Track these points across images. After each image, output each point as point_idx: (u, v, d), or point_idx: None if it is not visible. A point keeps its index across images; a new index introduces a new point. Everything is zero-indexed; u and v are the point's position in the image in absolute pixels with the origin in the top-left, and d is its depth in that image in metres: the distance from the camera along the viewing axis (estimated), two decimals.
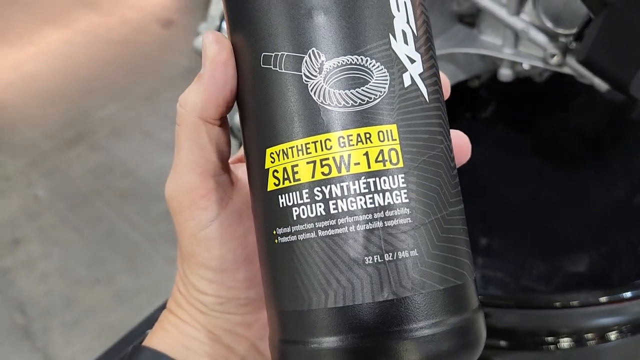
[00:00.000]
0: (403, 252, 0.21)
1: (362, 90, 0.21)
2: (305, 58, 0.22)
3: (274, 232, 0.22)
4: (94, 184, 1.78)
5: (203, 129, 0.26)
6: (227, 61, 0.25)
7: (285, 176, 0.22)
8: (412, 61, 0.23)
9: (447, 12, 0.61)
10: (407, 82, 0.22)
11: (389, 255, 0.21)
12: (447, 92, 0.28)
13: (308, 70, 0.21)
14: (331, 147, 0.21)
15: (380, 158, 0.21)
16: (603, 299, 0.57)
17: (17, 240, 1.63)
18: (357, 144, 0.21)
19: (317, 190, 0.21)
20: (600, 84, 0.54)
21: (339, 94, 0.21)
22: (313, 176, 0.21)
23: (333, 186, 0.21)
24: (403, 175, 0.21)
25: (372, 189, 0.21)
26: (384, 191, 0.21)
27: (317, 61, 0.21)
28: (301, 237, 0.21)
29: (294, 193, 0.22)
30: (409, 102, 0.22)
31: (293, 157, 0.21)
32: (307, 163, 0.21)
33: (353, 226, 0.21)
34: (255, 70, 0.23)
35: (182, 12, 2.42)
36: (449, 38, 0.61)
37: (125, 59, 2.20)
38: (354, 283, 0.21)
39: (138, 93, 2.03)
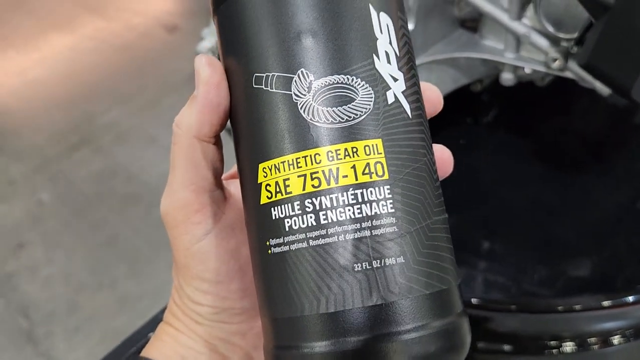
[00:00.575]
0: (390, 259, 0.22)
1: (348, 107, 0.23)
2: (294, 78, 0.23)
3: (267, 243, 0.23)
4: (98, 189, 1.79)
5: (198, 147, 0.27)
6: (219, 83, 0.26)
7: (277, 189, 0.23)
8: (395, 79, 0.24)
9: (449, 17, 0.61)
10: (390, 99, 0.24)
11: (377, 262, 0.22)
12: (439, 105, 0.29)
13: (297, 90, 0.23)
14: (320, 161, 0.22)
15: (366, 171, 0.22)
16: (606, 303, 0.57)
17: (21, 244, 1.64)
18: (344, 158, 0.22)
19: (308, 202, 0.23)
20: (602, 88, 0.54)
21: (327, 111, 0.23)
22: (304, 189, 0.23)
23: (323, 198, 0.22)
24: (389, 187, 0.23)
25: (360, 200, 0.22)
26: (370, 202, 0.22)
27: (306, 81, 0.23)
28: (293, 247, 0.23)
29: (285, 205, 0.23)
30: (392, 118, 0.24)
31: (284, 171, 0.23)
32: (298, 176, 0.23)
33: (342, 235, 0.22)
34: (248, 90, 0.24)
35: (187, 18, 2.43)
36: (451, 43, 0.62)
37: (129, 65, 2.21)
38: (344, 289, 0.22)
39: (142, 98, 2.04)
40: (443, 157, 0.29)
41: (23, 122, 2.02)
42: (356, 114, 0.23)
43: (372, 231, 0.22)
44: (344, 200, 0.22)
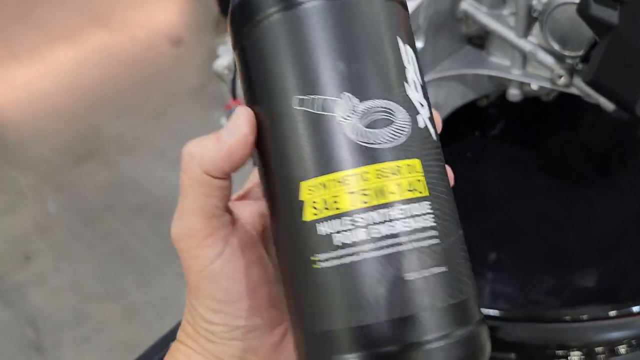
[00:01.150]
0: (436, 267, 0.24)
1: (390, 129, 0.25)
2: (339, 101, 0.24)
3: (313, 257, 0.24)
4: (105, 200, 1.80)
5: (209, 181, 0.28)
6: (251, 142, 0.27)
7: (325, 206, 0.24)
8: (422, 105, 0.26)
9: (457, 34, 0.63)
10: (421, 123, 0.26)
11: (425, 272, 0.24)
12: (439, 126, 0.31)
13: (342, 112, 0.24)
14: (368, 178, 0.24)
15: (410, 188, 0.24)
16: (612, 313, 0.58)
17: (29, 255, 1.65)
18: (390, 176, 0.24)
19: (359, 218, 0.24)
20: (607, 104, 0.56)
21: (372, 132, 0.24)
22: (354, 205, 0.24)
23: (372, 213, 0.24)
24: (429, 203, 0.25)
25: (406, 215, 0.24)
26: (415, 216, 0.24)
27: (351, 104, 0.24)
28: (344, 260, 0.24)
29: (335, 221, 0.24)
30: (425, 140, 0.26)
31: (333, 188, 0.24)
32: (347, 193, 0.24)
33: (391, 248, 0.24)
34: (287, 112, 0.25)
35: (192, 31, 2.45)
36: (459, 59, 0.63)
37: (135, 77, 2.23)
38: (402, 296, 0.24)
39: (148, 110, 2.06)
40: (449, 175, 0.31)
41: (30, 134, 2.04)
42: (398, 136, 0.25)
43: (419, 243, 0.24)
44: (391, 215, 0.24)
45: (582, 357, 0.58)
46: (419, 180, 0.25)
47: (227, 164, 0.28)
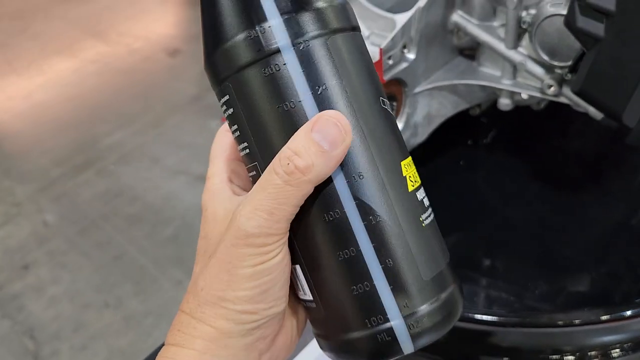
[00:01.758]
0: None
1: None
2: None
3: (420, 218, 0.31)
4: (103, 209, 1.80)
5: (310, 191, 0.29)
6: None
7: (415, 180, 0.32)
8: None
9: (449, 45, 0.64)
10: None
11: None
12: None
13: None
14: (409, 165, 0.33)
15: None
16: (605, 317, 0.59)
17: (27, 265, 1.65)
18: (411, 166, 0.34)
19: (421, 189, 0.33)
20: (595, 113, 0.57)
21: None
22: (416, 183, 0.32)
23: (421, 189, 0.33)
24: (423, 189, 0.34)
25: (423, 195, 0.34)
26: (425, 197, 0.34)
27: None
28: (431, 218, 0.33)
29: (421, 190, 0.33)
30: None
31: (412, 167, 0.33)
32: (414, 172, 0.33)
33: (432, 214, 0.34)
34: (379, 108, 0.32)
35: (188, 41, 2.47)
36: (451, 70, 0.65)
37: (132, 87, 2.24)
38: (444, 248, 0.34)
39: (145, 120, 2.07)
40: None
41: (28, 145, 2.05)
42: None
43: (431, 216, 0.34)
44: (424, 193, 0.33)
45: None
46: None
47: (329, 171, 0.30)
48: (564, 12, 0.52)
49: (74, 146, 2.01)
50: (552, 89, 0.58)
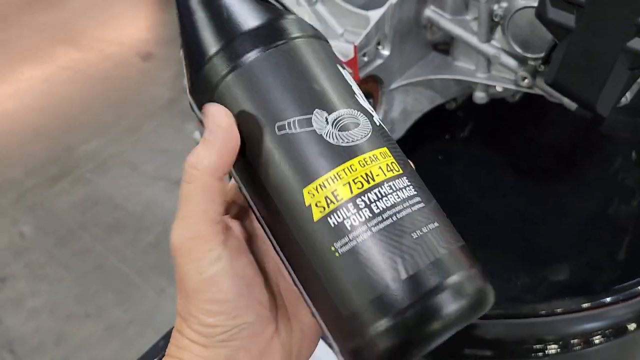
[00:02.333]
0: (431, 224, 0.30)
1: (359, 129, 0.30)
2: (313, 117, 0.30)
3: (332, 248, 0.29)
4: (81, 219, 1.78)
5: (214, 185, 0.31)
6: (235, 130, 0.31)
7: (329, 201, 0.29)
8: (372, 110, 0.32)
9: (423, 41, 0.65)
10: (377, 122, 0.32)
11: (424, 229, 0.29)
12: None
13: (318, 124, 0.30)
14: (356, 169, 0.29)
15: (389, 169, 0.30)
16: (585, 305, 0.59)
17: (4, 278, 1.62)
18: (371, 163, 0.30)
19: (359, 201, 0.29)
20: (569, 103, 0.58)
21: (346, 134, 0.30)
22: (351, 192, 0.29)
23: (369, 194, 0.29)
24: (406, 177, 0.31)
25: (394, 189, 0.30)
26: (400, 189, 0.30)
27: (323, 117, 0.30)
28: (359, 239, 0.28)
29: (341, 210, 0.29)
30: (384, 134, 0.32)
31: (329, 186, 0.29)
32: (343, 185, 0.29)
33: (393, 216, 0.29)
34: (272, 137, 0.30)
35: (161, 45, 2.44)
36: (426, 65, 0.65)
37: (106, 93, 2.21)
38: (412, 255, 0.28)
39: (121, 126, 2.04)
40: None
41: (0, 156, 2.01)
42: (366, 132, 0.30)
43: (411, 208, 0.29)
44: (384, 192, 0.29)
45: (559, 349, 0.59)
46: (393, 162, 0.30)
47: (227, 158, 0.30)
48: (535, 4, 0.52)
49: (48, 156, 1.98)
50: (526, 81, 0.59)
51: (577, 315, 0.60)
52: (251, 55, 0.31)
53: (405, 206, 0.29)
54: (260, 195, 0.31)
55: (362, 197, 0.29)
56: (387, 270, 0.28)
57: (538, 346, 0.59)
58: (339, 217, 0.29)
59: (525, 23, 0.55)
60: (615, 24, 0.46)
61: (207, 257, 0.30)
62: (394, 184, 0.30)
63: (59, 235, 1.72)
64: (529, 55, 0.57)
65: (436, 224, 0.30)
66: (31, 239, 1.72)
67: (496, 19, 0.58)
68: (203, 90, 0.32)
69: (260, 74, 0.31)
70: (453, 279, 0.29)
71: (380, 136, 0.31)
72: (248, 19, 0.32)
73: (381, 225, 0.28)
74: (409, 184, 0.30)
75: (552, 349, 0.59)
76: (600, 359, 0.62)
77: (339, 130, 0.30)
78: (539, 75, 0.59)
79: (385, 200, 0.29)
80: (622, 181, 0.74)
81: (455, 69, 0.64)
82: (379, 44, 0.59)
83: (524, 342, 0.59)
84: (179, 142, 1.90)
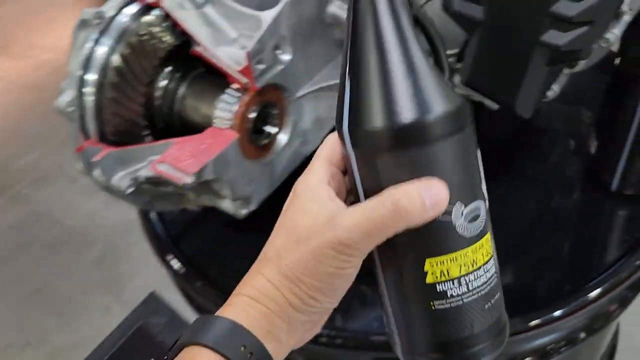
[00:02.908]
0: (497, 294, 0.38)
1: (479, 221, 0.36)
2: (454, 208, 0.35)
3: (431, 303, 0.37)
4: (19, 238, 1.69)
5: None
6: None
7: (442, 274, 0.36)
8: (486, 192, 0.38)
9: (330, 40, 0.58)
10: (487, 204, 0.38)
11: (492, 300, 0.38)
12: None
13: (455, 217, 0.35)
14: (467, 254, 0.36)
15: (487, 253, 0.37)
16: (534, 323, 0.56)
17: None
18: (478, 250, 0.37)
19: (462, 279, 0.36)
20: (491, 103, 0.52)
21: (469, 226, 0.36)
22: (460, 272, 0.36)
23: (470, 275, 0.37)
24: (493, 259, 0.38)
25: (485, 271, 0.37)
26: (488, 270, 0.37)
27: (460, 210, 0.35)
28: (453, 304, 0.37)
29: (448, 283, 0.37)
30: (488, 212, 0.38)
31: (447, 264, 0.36)
32: (456, 266, 0.36)
33: (480, 292, 0.37)
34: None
35: None
36: (337, 67, 0.58)
37: (42, 102, 2.10)
38: (483, 319, 0.38)
39: (58, 137, 1.94)
40: None
41: None
42: (482, 224, 0.37)
43: (490, 285, 0.37)
44: (479, 274, 0.37)
45: None
46: (489, 246, 0.38)
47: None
48: None
49: None
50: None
51: (529, 334, 0.56)
52: (427, 140, 0.34)
53: (488, 284, 0.37)
54: (389, 243, 0.36)
55: (465, 277, 0.36)
56: (462, 328, 0.37)
57: None
58: (445, 287, 0.36)
59: (434, 16, 0.49)
60: (527, 14, 0.40)
61: (356, 261, 0.36)
62: (485, 267, 0.37)
63: None
64: None
65: (499, 294, 0.39)
66: None
67: None
68: (365, 139, 0.35)
69: (427, 158, 0.34)
70: (501, 338, 0.39)
71: (487, 220, 0.37)
72: (434, 103, 0.34)
73: (470, 299, 0.37)
74: (493, 264, 0.38)
75: None
76: None
77: (468, 223, 0.36)
78: (457, 72, 0.52)
79: (478, 280, 0.37)
80: (562, 173, 0.69)
81: None
82: (277, 48, 0.52)
83: None
84: None
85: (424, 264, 0.36)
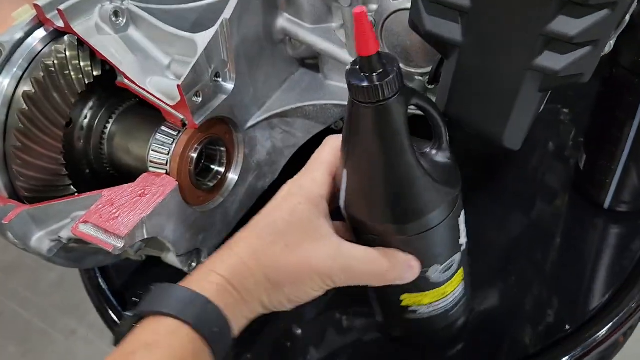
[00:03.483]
0: (466, 315, 0.49)
1: (450, 271, 0.42)
2: (429, 270, 0.41)
3: (406, 315, 0.45)
4: None
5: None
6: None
7: (414, 303, 0.43)
8: (464, 233, 0.42)
9: (284, 58, 0.50)
10: (464, 247, 0.42)
11: (463, 318, 0.49)
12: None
13: (431, 273, 0.41)
14: (437, 293, 0.43)
15: (457, 283, 0.45)
16: None
17: None
18: (448, 286, 0.43)
19: (430, 305, 0.44)
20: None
21: (443, 276, 0.42)
22: (430, 301, 0.43)
23: (437, 302, 0.44)
24: (462, 282, 0.46)
25: (453, 296, 0.45)
26: (456, 294, 0.45)
27: (436, 270, 0.41)
28: (420, 317, 0.45)
29: (419, 308, 0.44)
30: (464, 253, 0.43)
31: (418, 298, 0.43)
32: (427, 299, 0.43)
33: (443, 309, 0.45)
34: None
35: None
36: (291, 89, 0.50)
37: None
38: (449, 319, 0.47)
39: None
40: None
41: None
42: (456, 270, 0.42)
43: (458, 297, 0.46)
44: (447, 299, 0.44)
45: None
46: (461, 279, 0.44)
47: None
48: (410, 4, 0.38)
49: None
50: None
51: None
52: (410, 235, 0.38)
53: (454, 300, 0.45)
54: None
55: (433, 304, 0.43)
56: (428, 327, 0.46)
57: None
58: (415, 308, 0.43)
59: (401, 30, 0.41)
60: (515, 35, 0.32)
61: (323, 291, 0.39)
62: (454, 292, 0.44)
63: None
64: (412, 70, 0.43)
65: (465, 299, 0.47)
66: None
67: None
68: (357, 222, 0.38)
69: (410, 244, 0.38)
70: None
71: (463, 258, 0.42)
72: (420, 211, 0.36)
73: (436, 313, 0.44)
74: (462, 287, 0.45)
75: None
76: None
77: (441, 273, 0.41)
78: (430, 93, 0.45)
79: (445, 302, 0.44)
80: (542, 179, 0.63)
81: (328, 90, 0.49)
82: (217, 75, 0.44)
83: None
84: None
85: (400, 296, 0.43)
